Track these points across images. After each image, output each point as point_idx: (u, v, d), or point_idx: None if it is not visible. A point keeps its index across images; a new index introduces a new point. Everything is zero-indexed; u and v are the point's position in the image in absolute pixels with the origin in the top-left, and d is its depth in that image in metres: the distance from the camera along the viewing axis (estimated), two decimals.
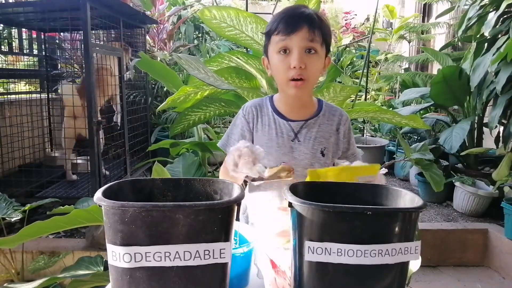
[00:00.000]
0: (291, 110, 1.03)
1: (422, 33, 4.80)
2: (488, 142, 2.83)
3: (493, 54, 2.24)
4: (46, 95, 2.97)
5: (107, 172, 2.54)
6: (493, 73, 2.45)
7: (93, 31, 2.67)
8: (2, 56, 3.02)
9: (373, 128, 4.14)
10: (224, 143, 1.09)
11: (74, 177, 2.60)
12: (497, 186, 2.41)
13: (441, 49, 3.45)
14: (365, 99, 3.84)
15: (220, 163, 3.15)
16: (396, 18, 5.19)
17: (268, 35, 0.97)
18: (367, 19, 6.49)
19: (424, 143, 2.72)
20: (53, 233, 1.42)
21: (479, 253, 2.34)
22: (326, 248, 0.58)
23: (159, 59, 3.39)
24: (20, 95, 2.93)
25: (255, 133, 1.05)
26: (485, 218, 2.54)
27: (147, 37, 3.51)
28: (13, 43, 3.12)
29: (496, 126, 2.41)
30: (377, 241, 0.58)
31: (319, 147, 1.02)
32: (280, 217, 0.92)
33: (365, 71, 3.49)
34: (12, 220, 1.71)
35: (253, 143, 1.04)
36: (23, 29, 3.09)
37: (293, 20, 0.92)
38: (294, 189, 0.67)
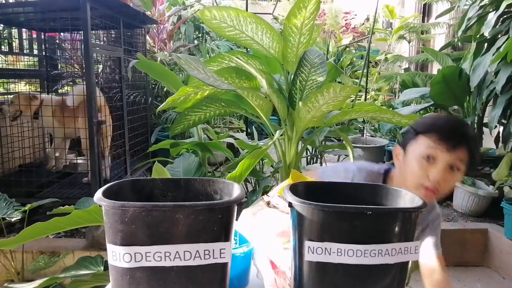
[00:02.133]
0: None
1: (422, 33, 4.80)
2: (488, 142, 2.83)
3: (493, 54, 2.24)
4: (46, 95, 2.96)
5: (107, 173, 2.54)
6: (493, 73, 2.45)
7: (93, 31, 2.67)
8: (2, 56, 3.02)
9: (373, 128, 4.14)
10: (321, 178, 1.07)
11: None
12: (497, 186, 2.41)
13: (441, 49, 3.45)
14: (365, 99, 3.84)
15: (220, 163, 3.15)
16: (396, 18, 5.19)
17: (417, 132, 0.92)
18: (367, 19, 6.49)
19: None
20: (53, 233, 1.41)
21: (479, 253, 2.34)
22: (326, 248, 0.58)
23: (159, 59, 3.39)
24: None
25: None
26: (485, 218, 2.54)
27: (147, 37, 3.51)
28: (13, 43, 3.12)
29: (496, 126, 2.41)
30: (377, 241, 0.58)
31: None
32: (280, 218, 0.92)
33: (365, 71, 3.49)
34: (12, 220, 1.72)
35: None
36: (23, 29, 3.10)
37: (457, 138, 0.88)
38: (294, 189, 0.67)
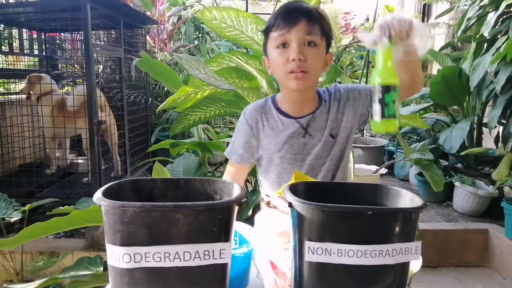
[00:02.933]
0: (296, 108, 1.00)
1: None
2: (488, 142, 2.83)
3: (493, 54, 2.24)
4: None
5: (119, 169, 2.56)
6: (492, 73, 2.45)
7: (94, 32, 2.67)
8: (2, 56, 3.02)
9: None
10: (229, 151, 1.07)
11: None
12: (497, 186, 2.41)
13: (441, 49, 3.44)
14: None
15: (220, 163, 3.15)
16: None
17: (267, 32, 0.96)
18: (367, 19, 6.49)
19: (424, 143, 2.72)
20: (52, 233, 1.42)
21: (480, 254, 2.33)
22: (326, 249, 0.58)
23: (159, 59, 3.39)
24: (20, 95, 2.94)
25: (263, 138, 1.01)
26: (485, 218, 2.54)
27: (148, 37, 3.51)
28: (14, 43, 3.12)
29: (495, 126, 2.40)
30: (377, 241, 0.58)
31: (327, 131, 0.99)
32: (280, 218, 0.92)
33: (364, 71, 3.49)
34: (12, 220, 1.71)
35: (259, 147, 1.02)
36: (24, 29, 3.10)
37: (291, 14, 0.91)
38: (294, 189, 0.67)
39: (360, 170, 2.57)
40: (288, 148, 0.98)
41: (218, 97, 1.85)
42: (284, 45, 0.91)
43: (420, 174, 2.77)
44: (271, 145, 1.00)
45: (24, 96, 2.61)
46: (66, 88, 3.19)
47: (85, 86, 2.16)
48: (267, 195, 1.03)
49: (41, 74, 2.58)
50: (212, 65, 1.89)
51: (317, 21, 0.91)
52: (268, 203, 1.00)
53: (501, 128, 2.54)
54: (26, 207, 1.72)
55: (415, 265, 1.15)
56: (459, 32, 2.64)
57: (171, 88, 2.04)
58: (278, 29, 0.91)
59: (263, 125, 1.01)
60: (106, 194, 0.59)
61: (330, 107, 1.00)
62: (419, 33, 0.81)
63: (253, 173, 2.01)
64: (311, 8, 0.93)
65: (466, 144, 2.80)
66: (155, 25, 3.56)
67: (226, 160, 3.74)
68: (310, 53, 0.90)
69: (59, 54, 3.37)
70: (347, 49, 5.66)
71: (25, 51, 3.22)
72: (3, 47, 3.08)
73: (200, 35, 4.72)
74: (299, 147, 0.99)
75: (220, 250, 0.57)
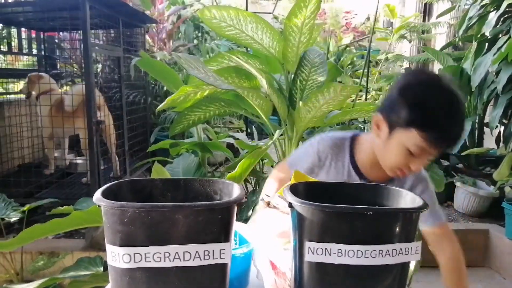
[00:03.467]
0: (370, 168, 0.96)
1: (423, 33, 4.80)
2: (489, 142, 2.82)
3: (494, 54, 2.24)
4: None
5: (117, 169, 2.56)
6: (494, 73, 2.44)
7: (93, 31, 2.67)
8: (1, 56, 3.02)
9: None
10: (292, 164, 1.04)
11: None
12: (498, 186, 2.40)
13: (442, 48, 3.44)
14: (366, 99, 3.84)
15: (220, 163, 3.14)
16: (396, 18, 5.19)
17: (413, 122, 0.80)
18: (368, 18, 6.49)
19: None
20: (52, 234, 1.42)
21: (480, 254, 2.33)
22: (326, 249, 0.58)
23: (158, 58, 3.39)
24: (19, 95, 2.93)
25: (325, 173, 0.98)
26: (486, 218, 2.54)
27: (147, 36, 3.51)
28: (12, 42, 3.12)
29: (497, 126, 2.40)
30: (377, 241, 0.58)
31: None
32: (280, 218, 0.92)
33: (365, 70, 3.49)
34: (11, 220, 1.71)
35: (317, 176, 0.99)
36: (22, 29, 3.09)
37: (451, 142, 0.84)
38: (295, 190, 0.66)
39: None
40: None
41: (217, 97, 1.84)
42: (416, 153, 0.83)
43: None
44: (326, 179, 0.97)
45: (23, 96, 2.60)
46: (65, 87, 3.19)
47: (83, 85, 2.16)
48: (267, 195, 1.03)
49: (41, 74, 2.58)
50: (212, 64, 1.89)
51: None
52: (268, 204, 1.00)
53: (502, 128, 2.54)
54: (25, 207, 1.71)
55: (415, 265, 1.15)
56: (460, 32, 2.64)
57: (171, 88, 2.04)
58: (428, 145, 0.80)
59: (330, 164, 0.98)
60: (105, 195, 0.59)
61: (404, 186, 0.96)
62: None
63: (253, 173, 2.00)
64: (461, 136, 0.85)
65: (467, 144, 2.79)
66: (154, 24, 3.56)
67: (226, 160, 3.74)
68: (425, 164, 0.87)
69: (57, 54, 3.36)
70: (348, 48, 5.66)
71: (24, 51, 3.21)
72: (1, 47, 3.07)
73: (199, 34, 4.72)
74: None
75: (220, 250, 0.56)
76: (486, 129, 2.77)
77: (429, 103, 0.80)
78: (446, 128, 0.80)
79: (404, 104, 0.82)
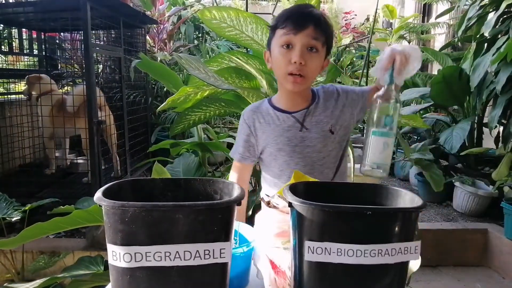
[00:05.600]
0: (291, 103, 1.05)
1: (422, 33, 4.80)
2: (488, 142, 2.83)
3: (493, 54, 2.24)
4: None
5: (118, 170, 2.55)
6: (493, 73, 2.45)
7: (93, 31, 2.67)
8: (2, 56, 3.02)
9: None
10: (232, 151, 1.13)
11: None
12: (496, 186, 2.41)
13: (441, 49, 3.45)
14: None
15: (220, 163, 3.15)
16: (396, 18, 5.19)
17: (274, 29, 0.99)
18: (367, 19, 6.49)
19: (424, 143, 2.72)
20: (53, 233, 1.42)
21: (479, 253, 2.34)
22: (326, 248, 0.58)
23: (159, 59, 3.39)
24: (20, 95, 2.94)
25: (261, 134, 1.06)
26: (484, 218, 2.54)
27: (147, 37, 3.51)
28: (13, 43, 3.12)
29: (496, 126, 2.40)
30: (377, 241, 0.58)
31: (327, 126, 1.03)
32: (280, 218, 0.92)
33: (365, 71, 3.49)
34: (13, 220, 1.72)
35: (258, 144, 1.07)
36: (23, 29, 3.09)
37: (301, 18, 0.94)
38: (294, 189, 0.67)
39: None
40: (286, 141, 1.03)
41: (218, 97, 1.85)
42: (288, 46, 0.95)
43: (420, 174, 2.78)
44: (269, 139, 1.04)
45: (24, 96, 2.61)
46: (66, 88, 3.19)
47: (84, 86, 2.16)
48: (267, 195, 1.03)
49: (40, 75, 2.58)
50: (212, 65, 1.89)
51: (323, 29, 0.95)
52: (268, 203, 1.01)
53: (501, 128, 2.54)
54: (27, 207, 1.72)
55: (414, 265, 1.15)
56: (460, 32, 2.64)
57: (171, 89, 2.04)
58: (286, 29, 0.94)
59: (259, 122, 1.06)
60: (106, 194, 0.60)
61: (327, 104, 1.05)
62: (414, 58, 0.88)
63: (253, 173, 2.01)
64: (320, 15, 0.96)
65: (466, 144, 2.80)
66: (155, 25, 3.56)
67: (226, 160, 3.76)
68: (311, 58, 0.95)
69: (58, 54, 3.37)
70: (347, 49, 5.66)
71: (25, 51, 3.22)
72: (2, 47, 3.07)
73: (200, 35, 4.72)
74: (296, 140, 1.03)
75: (220, 249, 0.57)
76: (485, 129, 2.77)
77: (282, 12, 1.00)
78: (292, 13, 0.96)
79: (268, 25, 1.04)
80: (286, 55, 0.95)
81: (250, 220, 1.18)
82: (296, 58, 0.93)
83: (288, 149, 1.02)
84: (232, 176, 1.12)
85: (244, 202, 1.27)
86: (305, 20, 0.94)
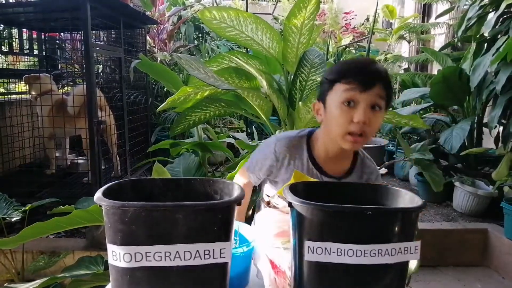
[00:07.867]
0: (329, 162, 0.99)
1: (422, 33, 4.80)
2: (488, 142, 2.83)
3: (493, 54, 2.24)
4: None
5: (118, 170, 2.55)
6: (492, 73, 2.45)
7: (94, 31, 2.67)
8: (2, 56, 3.02)
9: None
10: (249, 169, 1.07)
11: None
12: (496, 186, 2.41)
13: (441, 49, 3.44)
14: None
15: (220, 163, 3.15)
16: (395, 18, 5.19)
17: (332, 82, 0.90)
18: (367, 19, 6.49)
19: (424, 143, 2.72)
20: (53, 233, 1.42)
21: (479, 253, 2.34)
22: (326, 248, 0.58)
23: (159, 59, 3.39)
24: (20, 95, 2.94)
25: (284, 172, 1.00)
26: (484, 218, 2.54)
27: (147, 37, 3.51)
28: (14, 43, 3.12)
29: (495, 126, 2.40)
30: (377, 241, 0.58)
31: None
32: (280, 218, 0.92)
33: None
34: (13, 220, 1.71)
35: (278, 176, 1.01)
36: (24, 29, 3.10)
37: (370, 76, 0.88)
38: (294, 189, 0.67)
39: None
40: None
41: (218, 97, 1.85)
42: (350, 103, 0.87)
43: (420, 174, 2.78)
44: (289, 176, 0.97)
45: (24, 96, 2.61)
46: (66, 88, 3.19)
47: (85, 86, 2.16)
48: (267, 195, 1.03)
49: (38, 74, 2.58)
50: (212, 65, 1.89)
51: (389, 87, 0.90)
52: (268, 203, 1.01)
53: (501, 128, 2.54)
54: (27, 207, 1.72)
55: (414, 265, 1.15)
56: (459, 32, 2.64)
57: (171, 89, 2.04)
58: (351, 85, 0.86)
59: (289, 163, 0.99)
60: (106, 194, 0.60)
61: (360, 175, 1.02)
62: None
63: None
64: (386, 72, 0.91)
65: (466, 144, 2.80)
66: (155, 25, 3.56)
67: (226, 160, 3.74)
68: (374, 117, 0.88)
69: (59, 54, 3.37)
70: (347, 49, 5.66)
71: (25, 51, 3.22)
72: (3, 47, 3.07)
73: (200, 35, 4.72)
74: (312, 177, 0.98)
75: (221, 249, 0.57)
76: (485, 129, 2.77)
77: (340, 63, 0.94)
78: (359, 69, 0.89)
79: (324, 77, 0.94)
80: (348, 113, 0.87)
81: (250, 220, 1.18)
82: (361, 117, 0.85)
83: None
84: (239, 180, 1.10)
85: (246, 202, 1.26)
86: (374, 78, 0.87)
